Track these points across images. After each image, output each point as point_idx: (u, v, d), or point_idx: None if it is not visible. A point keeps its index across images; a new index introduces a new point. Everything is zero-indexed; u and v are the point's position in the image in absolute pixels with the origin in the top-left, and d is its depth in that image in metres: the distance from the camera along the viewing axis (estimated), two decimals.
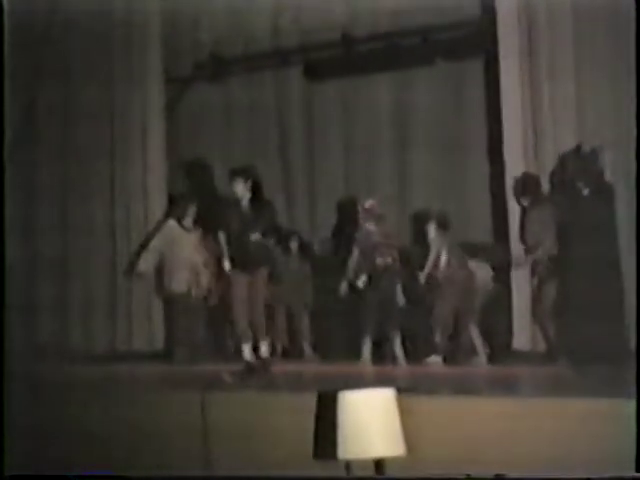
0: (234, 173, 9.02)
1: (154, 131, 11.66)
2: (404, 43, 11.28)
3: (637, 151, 7.17)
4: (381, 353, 9.65)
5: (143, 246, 10.91)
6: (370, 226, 9.65)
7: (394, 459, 5.30)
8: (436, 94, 11.27)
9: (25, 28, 11.48)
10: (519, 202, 9.51)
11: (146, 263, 10.65)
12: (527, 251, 9.30)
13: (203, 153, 12.29)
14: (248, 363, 8.86)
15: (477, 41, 10.72)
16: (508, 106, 9.68)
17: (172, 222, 10.59)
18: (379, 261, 9.49)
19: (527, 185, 9.44)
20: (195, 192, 11.45)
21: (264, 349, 9.01)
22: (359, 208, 9.83)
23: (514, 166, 9.64)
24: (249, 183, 8.93)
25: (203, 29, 12.21)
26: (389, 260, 9.54)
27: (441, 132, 11.23)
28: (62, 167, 11.94)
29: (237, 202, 8.96)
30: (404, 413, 5.38)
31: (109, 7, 11.62)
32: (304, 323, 10.93)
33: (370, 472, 5.35)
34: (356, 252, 9.65)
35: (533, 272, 9.31)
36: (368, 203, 9.76)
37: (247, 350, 8.96)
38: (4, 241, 7.27)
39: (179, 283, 10.47)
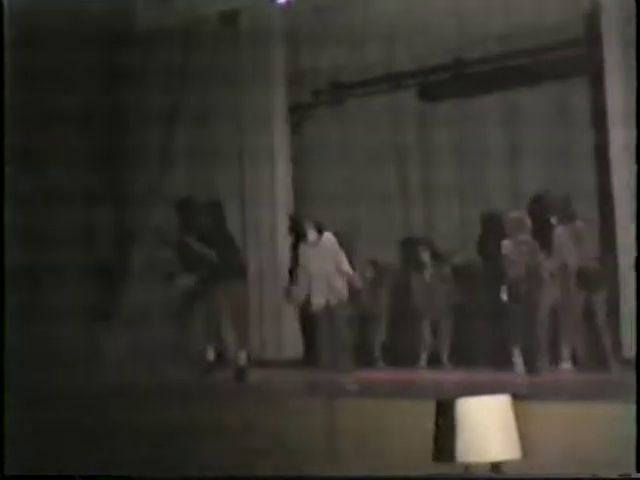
0: None
1: (281, 156, 11.79)
2: (512, 64, 11.20)
3: (637, 156, 6.99)
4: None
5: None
6: (506, 240, 9.38)
7: (510, 462, 5.26)
8: (543, 112, 11.13)
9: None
10: (548, 220, 9.36)
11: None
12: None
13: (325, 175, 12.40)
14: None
15: (582, 59, 10.56)
16: (615, 121, 9.51)
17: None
18: (511, 273, 9.22)
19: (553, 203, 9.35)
20: None
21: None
22: (504, 222, 9.59)
23: (620, 179, 9.46)
24: None
25: (322, 58, 12.27)
26: (520, 272, 9.21)
27: (549, 146, 11.07)
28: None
29: None
30: (520, 418, 5.34)
31: (236, 39, 11.86)
32: (444, 333, 10.83)
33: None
34: (499, 266, 9.38)
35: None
36: (513, 215, 9.49)
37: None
38: (4, 244, 7.37)
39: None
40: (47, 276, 11.56)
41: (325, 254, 10.19)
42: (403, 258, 11.77)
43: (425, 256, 11.02)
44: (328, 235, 10.27)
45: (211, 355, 9.92)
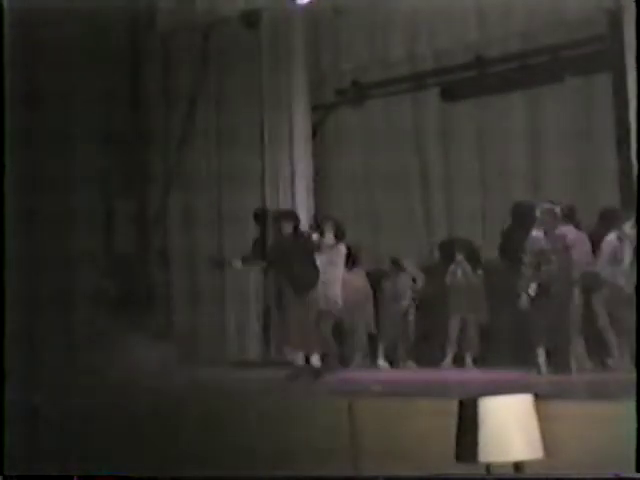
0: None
1: (301, 153, 11.79)
2: (534, 62, 11.17)
3: (638, 155, 6.92)
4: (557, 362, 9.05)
5: None
6: (538, 232, 9.04)
7: (533, 462, 5.23)
8: (566, 110, 11.07)
9: None
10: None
11: None
12: None
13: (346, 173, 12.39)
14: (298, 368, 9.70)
15: (605, 56, 10.49)
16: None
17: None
18: (544, 269, 8.94)
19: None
20: None
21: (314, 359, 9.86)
22: (537, 211, 9.22)
23: None
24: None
25: (344, 58, 12.26)
26: (553, 268, 8.93)
27: (572, 144, 11.02)
28: (217, 190, 12.27)
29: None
30: (542, 417, 5.31)
31: (257, 39, 11.87)
32: (471, 331, 10.78)
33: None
34: (525, 260, 9.02)
35: None
36: (547, 205, 9.17)
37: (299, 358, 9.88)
38: (4, 244, 7.41)
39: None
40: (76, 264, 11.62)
41: (332, 262, 10.09)
42: (440, 259, 11.72)
43: (459, 256, 10.97)
44: (342, 247, 10.19)
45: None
